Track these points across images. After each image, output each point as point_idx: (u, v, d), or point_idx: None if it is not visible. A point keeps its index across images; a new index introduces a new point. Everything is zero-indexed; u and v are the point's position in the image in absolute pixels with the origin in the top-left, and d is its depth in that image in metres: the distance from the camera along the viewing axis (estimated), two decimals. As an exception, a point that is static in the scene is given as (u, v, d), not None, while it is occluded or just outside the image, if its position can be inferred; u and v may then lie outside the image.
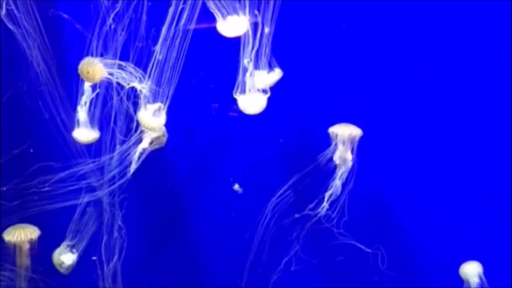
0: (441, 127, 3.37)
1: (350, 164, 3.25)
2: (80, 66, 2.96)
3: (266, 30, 3.04)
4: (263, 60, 3.11)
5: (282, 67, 3.13)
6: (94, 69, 2.96)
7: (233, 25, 3.04)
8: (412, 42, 3.33)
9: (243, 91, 3.13)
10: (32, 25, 3.04)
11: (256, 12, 3.02)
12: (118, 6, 2.98)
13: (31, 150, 3.34)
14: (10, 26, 3.02)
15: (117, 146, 3.11)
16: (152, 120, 3.06)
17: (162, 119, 3.06)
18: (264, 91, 3.14)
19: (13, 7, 3.00)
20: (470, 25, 3.27)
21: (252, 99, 3.16)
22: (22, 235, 3.10)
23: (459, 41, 3.30)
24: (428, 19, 3.29)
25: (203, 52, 3.20)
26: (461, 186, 3.42)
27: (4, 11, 3.01)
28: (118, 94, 3.05)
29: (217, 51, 3.22)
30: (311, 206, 3.31)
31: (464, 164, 3.41)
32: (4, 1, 3.00)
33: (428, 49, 3.33)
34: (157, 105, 3.02)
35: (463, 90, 3.34)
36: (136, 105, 3.02)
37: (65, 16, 3.14)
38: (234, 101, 3.14)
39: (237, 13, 3.02)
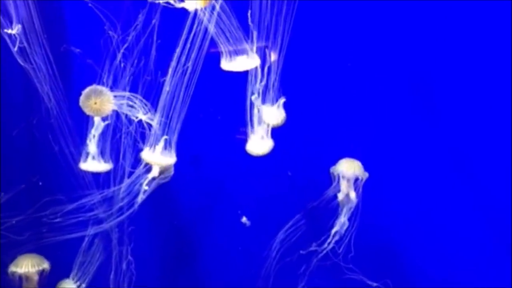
0: (444, 163, 3.40)
1: (354, 202, 3.27)
2: (86, 96, 3.02)
3: (272, 58, 3.09)
4: (271, 95, 3.15)
5: (289, 102, 3.17)
6: (102, 99, 3.01)
7: (240, 62, 3.09)
8: (416, 80, 3.37)
9: (252, 135, 3.18)
10: (43, 60, 3.10)
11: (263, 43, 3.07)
12: (128, 40, 3.04)
13: (40, 183, 3.38)
14: (22, 63, 3.07)
15: (125, 178, 3.15)
16: (162, 159, 3.11)
17: (172, 158, 3.11)
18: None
19: (25, 44, 3.06)
20: (472, 53, 3.33)
21: (258, 142, 3.21)
22: (30, 266, 3.13)
23: (465, 82, 3.36)
24: (435, 57, 3.34)
25: (211, 84, 3.23)
26: (465, 218, 3.44)
27: (16, 48, 3.07)
28: (127, 126, 3.10)
29: (225, 83, 3.25)
30: (318, 242, 3.33)
31: (466, 197, 3.43)
32: (17, 39, 3.06)
33: (434, 88, 3.38)
34: (163, 143, 3.07)
35: (469, 129, 3.38)
36: (144, 137, 3.07)
37: (77, 50, 3.19)
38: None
39: (245, 51, 3.07)
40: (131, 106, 3.06)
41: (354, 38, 3.32)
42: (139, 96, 3.06)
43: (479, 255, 3.42)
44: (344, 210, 3.29)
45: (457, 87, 3.35)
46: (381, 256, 3.46)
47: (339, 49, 3.34)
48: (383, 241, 3.47)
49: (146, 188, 3.17)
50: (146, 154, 3.07)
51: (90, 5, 3.05)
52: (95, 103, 3.01)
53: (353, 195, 3.26)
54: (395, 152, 3.41)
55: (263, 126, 3.20)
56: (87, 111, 3.04)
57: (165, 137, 3.06)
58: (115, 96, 3.02)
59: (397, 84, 3.37)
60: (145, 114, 3.05)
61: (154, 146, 3.07)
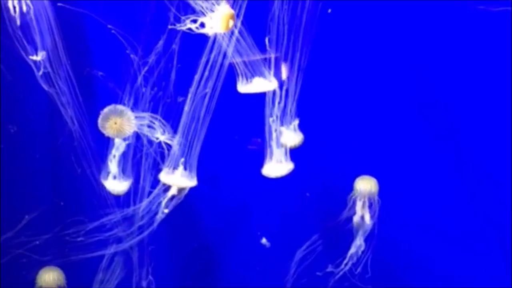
0: (463, 184, 3.42)
1: (369, 225, 3.30)
2: (105, 116, 3.08)
3: (284, 73, 3.13)
4: (289, 117, 3.19)
5: (307, 123, 3.22)
6: (123, 119, 3.07)
7: (258, 84, 3.15)
8: (435, 101, 3.41)
9: (270, 159, 3.23)
10: (66, 84, 3.16)
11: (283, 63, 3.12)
12: (149, 62, 3.10)
13: (62, 203, 3.44)
14: (45, 87, 3.14)
15: (145, 197, 3.19)
16: (181, 181, 3.15)
17: (192, 181, 3.16)
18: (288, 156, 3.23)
19: (49, 69, 3.12)
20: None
21: (276, 166, 3.25)
22: (52, 278, 3.19)
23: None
24: (457, 87, 3.40)
25: (229, 106, 3.27)
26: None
27: (40, 73, 3.13)
28: (147, 146, 3.15)
29: (243, 105, 3.30)
30: (335, 263, 3.35)
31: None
32: (42, 65, 3.12)
33: (454, 112, 3.42)
34: (182, 166, 3.12)
35: (484, 149, 3.41)
36: (163, 156, 3.12)
37: (100, 73, 3.26)
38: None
39: (263, 74, 3.13)
40: (151, 127, 3.12)
41: (371, 60, 3.36)
42: (159, 117, 3.12)
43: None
44: (360, 232, 3.31)
45: (475, 109, 3.39)
46: (398, 276, 3.47)
47: (356, 71, 3.39)
48: (400, 262, 3.49)
49: (166, 211, 3.21)
50: (165, 176, 3.13)
51: (113, 31, 3.11)
52: (115, 123, 3.06)
53: (367, 217, 3.29)
54: (413, 172, 3.44)
55: (281, 150, 3.24)
56: (107, 132, 3.09)
57: (182, 159, 3.11)
58: (135, 116, 3.07)
59: (415, 106, 3.41)
60: (164, 135, 3.10)
61: (173, 168, 3.13)
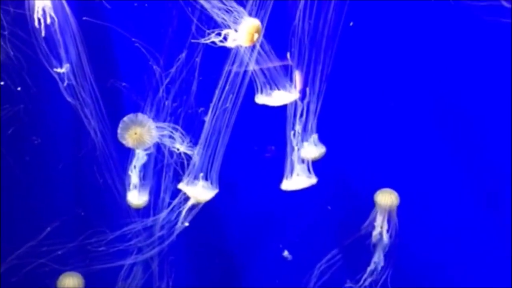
0: (482, 199, 3.42)
1: (386, 242, 3.29)
2: (125, 126, 3.11)
3: (297, 79, 3.14)
4: (309, 131, 3.20)
5: (329, 136, 3.23)
6: (143, 129, 3.09)
7: (279, 97, 3.16)
8: (456, 117, 3.41)
9: (290, 173, 3.23)
10: (89, 95, 3.20)
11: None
12: (171, 73, 3.13)
13: (82, 213, 3.47)
14: (69, 99, 3.17)
15: (165, 208, 3.21)
16: (201, 193, 3.17)
17: (211, 192, 3.17)
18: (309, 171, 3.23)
19: (72, 81, 3.16)
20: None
21: (296, 182, 3.26)
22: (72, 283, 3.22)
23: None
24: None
25: (250, 117, 3.28)
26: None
27: (65, 84, 3.16)
28: (168, 157, 3.18)
29: (265, 117, 3.30)
30: (354, 279, 3.34)
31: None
32: (65, 77, 3.16)
33: (475, 129, 3.42)
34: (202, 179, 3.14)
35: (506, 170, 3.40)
36: (183, 167, 3.14)
37: (123, 84, 3.29)
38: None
39: (284, 87, 3.14)
40: (172, 138, 3.14)
41: (394, 74, 3.37)
42: (179, 128, 3.14)
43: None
44: (380, 247, 3.30)
45: (497, 127, 3.38)
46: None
47: (378, 84, 3.39)
48: (420, 278, 3.47)
49: (187, 224, 3.23)
50: (185, 187, 3.14)
51: (136, 44, 3.14)
52: (135, 133, 3.09)
53: (386, 232, 3.28)
54: (433, 186, 3.43)
55: (303, 165, 3.24)
56: (127, 142, 3.11)
57: (201, 174, 3.13)
58: (155, 127, 3.09)
59: (437, 120, 3.41)
60: (185, 145, 3.12)
61: (193, 179, 3.15)
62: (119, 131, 3.11)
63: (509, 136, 3.32)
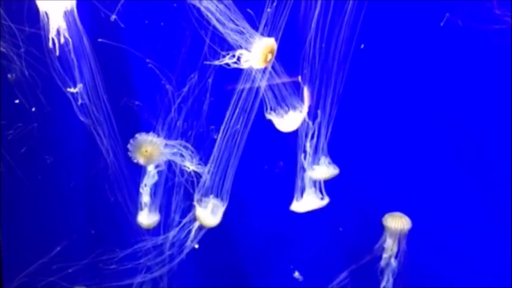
0: (493, 220, 3.41)
1: (395, 266, 3.29)
2: (137, 143, 3.13)
3: (306, 96, 3.16)
4: (320, 153, 3.21)
5: (339, 159, 3.24)
6: (153, 147, 3.11)
7: (290, 120, 3.18)
8: (467, 139, 3.42)
9: (300, 195, 3.24)
10: (102, 115, 3.22)
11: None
12: (183, 92, 3.16)
13: (92, 231, 3.49)
14: (82, 118, 3.20)
15: (175, 227, 3.22)
16: (210, 218, 3.18)
17: (218, 217, 3.18)
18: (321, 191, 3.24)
19: (86, 100, 3.18)
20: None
21: (307, 202, 3.26)
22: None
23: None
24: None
25: (261, 137, 3.30)
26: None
27: (79, 103, 3.19)
28: (178, 176, 3.19)
29: (276, 137, 3.31)
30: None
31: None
32: (79, 96, 3.18)
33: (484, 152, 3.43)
34: (213, 202, 3.15)
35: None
36: (193, 185, 3.15)
37: (137, 103, 3.32)
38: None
39: (294, 108, 3.15)
40: (182, 156, 3.16)
41: (405, 97, 3.37)
42: (190, 147, 3.16)
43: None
44: (389, 271, 3.30)
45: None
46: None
47: (389, 107, 3.39)
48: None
49: (197, 246, 3.24)
50: (197, 207, 3.16)
51: (149, 65, 3.18)
52: (146, 151, 3.12)
53: (393, 259, 3.28)
54: (444, 210, 3.43)
55: (313, 188, 3.25)
56: (137, 160, 3.15)
57: (212, 201, 3.15)
58: (166, 145, 3.12)
59: (447, 143, 3.41)
60: (195, 164, 3.14)
61: (203, 200, 3.16)
62: (130, 148, 3.13)
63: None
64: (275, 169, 3.40)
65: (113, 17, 3.00)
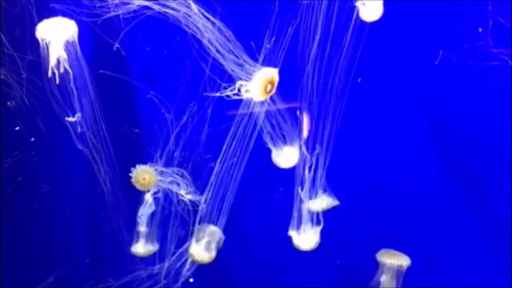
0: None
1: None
2: (135, 173, 3.12)
3: (305, 123, 3.17)
4: (318, 188, 3.22)
5: (337, 192, 3.25)
6: (151, 176, 3.12)
7: (288, 156, 3.19)
8: (459, 173, 3.44)
9: (298, 227, 3.24)
10: (101, 143, 3.23)
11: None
12: (182, 122, 3.18)
13: (87, 260, 3.47)
14: (80, 146, 3.20)
15: (170, 256, 3.22)
16: (204, 254, 3.17)
17: (212, 254, 3.18)
18: (318, 222, 3.24)
19: (84, 128, 3.18)
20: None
21: (305, 238, 3.25)
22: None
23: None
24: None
25: (258, 168, 3.32)
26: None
27: (78, 131, 3.19)
28: (175, 205, 3.20)
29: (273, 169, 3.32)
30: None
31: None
32: (77, 123, 3.18)
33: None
34: (208, 235, 3.16)
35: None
36: (190, 214, 3.15)
37: (136, 131, 3.34)
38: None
39: (292, 144, 3.17)
40: (179, 185, 3.16)
41: (401, 132, 3.41)
42: (187, 175, 3.17)
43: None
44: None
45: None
46: None
47: (386, 141, 3.43)
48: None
49: (191, 280, 3.23)
50: (193, 250, 3.16)
51: (149, 95, 3.20)
52: (144, 179, 3.12)
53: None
54: (440, 246, 3.44)
55: (311, 226, 3.25)
56: (137, 185, 3.14)
57: (208, 234, 3.16)
58: (162, 173, 3.13)
59: (442, 180, 3.44)
60: (193, 193, 3.15)
61: (199, 234, 3.17)
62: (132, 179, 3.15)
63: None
64: (274, 195, 3.41)
65: (116, 45, 3.03)
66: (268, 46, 3.00)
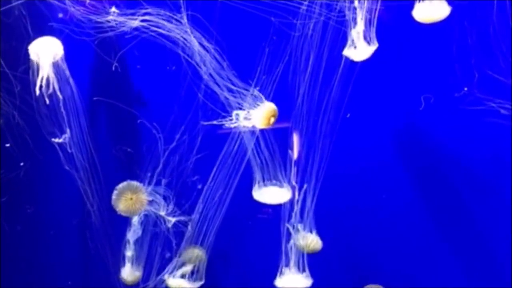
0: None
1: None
2: (121, 191, 3.12)
3: (295, 148, 3.19)
4: (306, 224, 3.23)
5: (324, 229, 3.24)
6: (138, 195, 3.11)
7: (276, 194, 3.18)
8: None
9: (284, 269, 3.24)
10: (89, 165, 3.20)
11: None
12: (169, 148, 3.18)
13: (69, 282, 3.45)
14: (67, 167, 3.18)
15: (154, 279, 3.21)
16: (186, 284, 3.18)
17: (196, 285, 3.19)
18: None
19: (73, 150, 3.16)
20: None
21: (293, 280, 3.24)
22: None
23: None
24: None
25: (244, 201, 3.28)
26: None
27: (68, 150, 3.16)
28: (162, 230, 3.20)
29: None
30: None
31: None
32: (67, 144, 3.17)
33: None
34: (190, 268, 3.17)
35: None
36: (177, 235, 3.15)
37: (129, 150, 3.33)
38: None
39: (280, 183, 3.19)
40: (166, 208, 3.16)
41: (387, 168, 3.43)
42: (173, 199, 3.17)
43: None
44: None
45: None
46: None
47: (373, 177, 3.44)
48: None
49: None
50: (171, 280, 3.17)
51: (139, 121, 3.21)
52: (131, 199, 3.11)
53: None
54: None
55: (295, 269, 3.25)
56: (120, 208, 3.12)
57: (187, 268, 3.16)
58: (150, 194, 3.14)
59: (432, 219, 3.46)
60: (179, 216, 3.15)
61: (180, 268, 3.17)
62: (114, 197, 3.13)
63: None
64: (262, 214, 3.41)
65: (115, 64, 3.05)
66: (264, 76, 3.04)
